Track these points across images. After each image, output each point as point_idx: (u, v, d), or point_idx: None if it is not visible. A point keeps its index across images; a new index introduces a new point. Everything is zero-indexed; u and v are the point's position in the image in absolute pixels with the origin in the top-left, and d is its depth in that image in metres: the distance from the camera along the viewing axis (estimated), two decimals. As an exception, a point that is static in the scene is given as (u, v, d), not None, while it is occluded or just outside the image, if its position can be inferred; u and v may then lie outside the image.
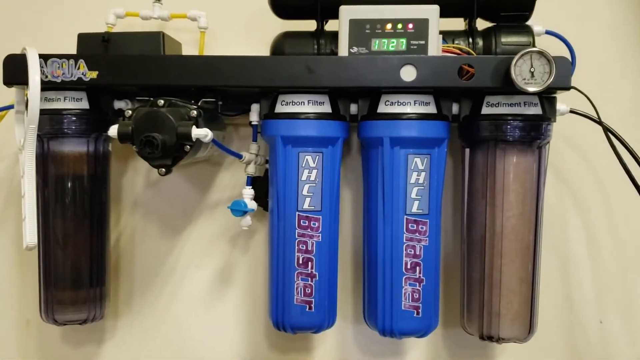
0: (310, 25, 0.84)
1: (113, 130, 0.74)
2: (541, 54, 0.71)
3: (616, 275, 0.94)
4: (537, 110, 0.77)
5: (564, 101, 0.81)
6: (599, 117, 0.80)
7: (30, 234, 0.74)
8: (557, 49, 0.88)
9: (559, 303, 0.94)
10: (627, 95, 0.93)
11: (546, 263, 0.92)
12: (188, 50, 0.93)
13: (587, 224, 0.94)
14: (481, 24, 0.83)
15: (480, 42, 0.81)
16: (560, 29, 0.88)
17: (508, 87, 0.73)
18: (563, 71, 0.73)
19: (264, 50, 0.89)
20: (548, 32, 0.87)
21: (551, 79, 0.71)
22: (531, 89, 0.71)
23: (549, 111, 0.78)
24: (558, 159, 0.92)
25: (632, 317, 0.93)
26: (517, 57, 0.71)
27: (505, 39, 0.80)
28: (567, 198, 0.94)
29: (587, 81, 0.85)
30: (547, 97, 0.78)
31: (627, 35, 0.93)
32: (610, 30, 0.94)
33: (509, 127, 0.77)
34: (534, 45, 0.80)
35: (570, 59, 0.87)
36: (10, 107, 0.86)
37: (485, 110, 0.78)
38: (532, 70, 0.72)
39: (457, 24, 0.85)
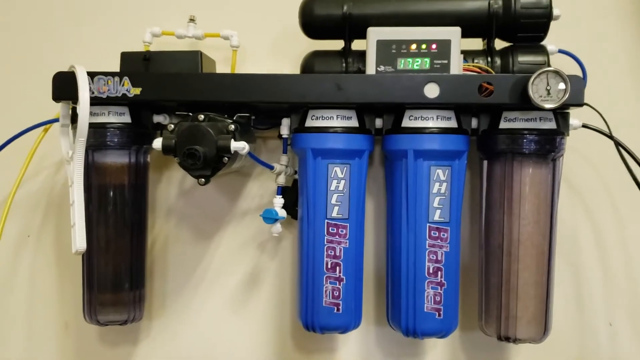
0: (336, 44, 0.90)
1: (157, 143, 0.79)
2: (557, 73, 0.77)
3: (625, 280, 0.98)
4: (551, 125, 0.82)
5: (576, 116, 0.86)
6: (610, 132, 0.85)
7: (80, 240, 0.79)
8: (569, 66, 0.93)
9: (570, 306, 0.99)
10: (637, 111, 0.98)
11: (559, 269, 0.96)
12: (220, 67, 0.98)
13: (597, 233, 0.98)
14: (499, 44, 0.88)
15: (498, 61, 0.86)
16: (573, 47, 0.93)
17: (525, 103, 0.78)
18: (576, 89, 0.78)
19: (292, 68, 0.95)
20: (561, 51, 0.92)
21: (566, 97, 0.76)
22: (547, 106, 0.76)
23: (562, 126, 0.83)
24: (571, 171, 0.97)
25: (639, 320, 0.98)
26: (534, 75, 0.77)
27: (522, 58, 0.85)
28: (579, 208, 0.98)
29: (598, 97, 0.90)
30: (561, 113, 0.83)
31: (637, 53, 0.98)
32: (621, 49, 0.98)
33: (525, 140, 0.82)
34: (548, 64, 0.85)
35: (582, 76, 0.93)
36: (54, 120, 0.91)
37: (503, 124, 0.83)
38: (548, 88, 0.77)
39: (476, 43, 0.91)
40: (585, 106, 0.82)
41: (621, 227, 0.98)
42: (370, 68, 0.82)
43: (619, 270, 0.98)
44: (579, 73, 0.93)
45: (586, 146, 0.95)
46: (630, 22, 0.98)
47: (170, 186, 1.02)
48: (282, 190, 0.92)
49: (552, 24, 0.87)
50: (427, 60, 0.82)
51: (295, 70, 0.92)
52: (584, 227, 0.99)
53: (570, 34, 0.96)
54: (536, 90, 0.77)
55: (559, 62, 0.94)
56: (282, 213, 0.89)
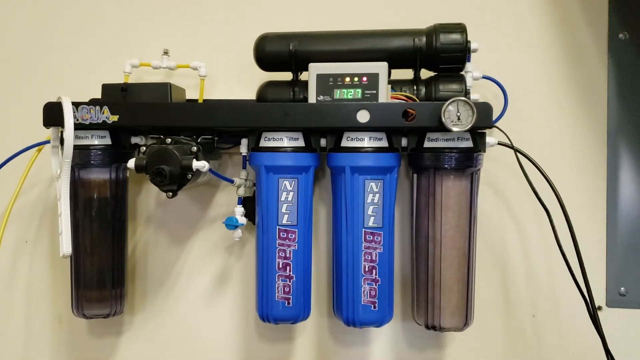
0: (288, 74, 1.04)
1: (131, 163, 0.93)
2: (465, 102, 0.90)
3: (545, 277, 1.11)
4: (468, 144, 0.95)
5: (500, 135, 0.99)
6: (511, 143, 0.98)
7: (66, 245, 0.94)
8: (495, 90, 1.07)
9: (498, 300, 1.12)
10: (554, 128, 1.11)
11: (487, 266, 1.10)
12: (191, 92, 1.12)
13: (521, 232, 1.11)
14: (426, 74, 1.02)
15: (423, 90, 1.00)
16: (497, 73, 1.07)
17: (442, 126, 0.92)
18: (485, 114, 0.92)
19: (252, 94, 1.08)
20: (485, 77, 1.06)
21: (473, 121, 0.90)
22: (456, 129, 0.90)
23: (479, 144, 0.96)
24: (496, 179, 1.10)
25: (557, 312, 1.11)
26: (446, 104, 0.90)
27: (442, 87, 0.98)
28: (505, 211, 1.11)
29: (520, 116, 1.05)
30: (478, 133, 0.96)
31: (555, 78, 1.11)
32: (541, 74, 1.11)
33: (446, 157, 0.95)
34: (466, 92, 0.98)
35: (503, 99, 1.07)
36: (46, 142, 1.05)
37: (427, 144, 0.97)
38: (458, 114, 0.90)
39: (408, 73, 1.03)
40: (510, 122, 1.00)
41: (541, 227, 1.09)
42: (312, 98, 0.96)
43: (540, 267, 1.11)
44: (501, 96, 1.07)
45: (509, 158, 1.03)
46: (549, 50, 1.11)
47: (149, 197, 1.16)
48: (244, 200, 1.06)
49: (479, 52, 1.01)
50: (359, 90, 0.95)
51: (255, 96, 1.06)
52: (509, 227, 1.11)
53: (495, 61, 1.09)
54: (448, 116, 0.91)
55: (484, 86, 1.08)
56: (242, 220, 1.03)
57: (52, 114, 0.97)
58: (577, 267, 0.96)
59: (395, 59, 0.98)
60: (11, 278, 1.18)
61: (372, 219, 0.98)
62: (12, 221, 1.12)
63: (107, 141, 1.01)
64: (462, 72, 1.01)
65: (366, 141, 0.97)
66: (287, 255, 0.99)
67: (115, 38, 1.17)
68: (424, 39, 0.98)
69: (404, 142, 1.00)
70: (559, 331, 1.12)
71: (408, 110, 0.93)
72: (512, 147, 0.97)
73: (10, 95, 1.19)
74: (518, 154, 0.98)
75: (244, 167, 1.06)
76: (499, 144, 1.00)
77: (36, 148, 1.07)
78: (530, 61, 1.12)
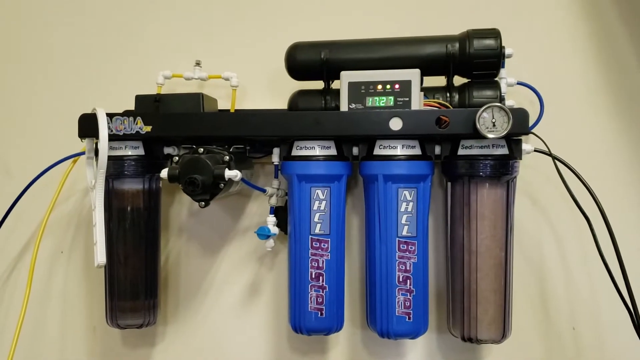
0: (319, 83, 1.03)
1: (164, 173, 0.94)
2: (501, 107, 0.88)
3: (585, 288, 1.08)
4: (504, 151, 0.94)
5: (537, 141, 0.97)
6: (549, 150, 0.95)
7: (101, 255, 0.94)
8: (530, 96, 1.05)
9: (537, 312, 1.09)
10: (593, 134, 1.09)
11: (524, 277, 1.08)
12: (223, 103, 1.13)
13: (560, 243, 1.09)
14: (459, 80, 1.01)
15: (456, 96, 0.98)
16: (532, 79, 1.05)
17: (476, 133, 0.90)
18: (521, 120, 0.90)
19: (283, 103, 1.08)
20: (519, 83, 1.04)
21: (509, 128, 0.88)
22: (491, 136, 0.88)
23: (515, 151, 0.94)
24: (533, 187, 1.08)
25: (599, 324, 1.08)
26: (481, 110, 0.89)
27: (476, 93, 0.97)
28: (543, 221, 1.09)
29: (556, 122, 1.03)
30: (513, 140, 0.94)
31: (592, 81, 1.09)
32: (576, 77, 1.09)
33: (481, 165, 0.93)
34: (500, 98, 0.97)
35: (539, 105, 1.04)
36: (81, 153, 1.06)
37: (461, 151, 0.95)
38: (493, 120, 0.89)
39: (441, 80, 1.02)
40: (546, 130, 0.96)
41: (581, 236, 1.06)
42: (344, 106, 0.95)
43: (581, 279, 1.08)
44: (537, 103, 1.05)
45: (546, 165, 1.00)
46: (585, 55, 1.09)
47: (182, 207, 1.17)
48: (276, 210, 1.06)
49: (514, 58, 0.99)
50: (392, 98, 0.94)
51: (287, 105, 1.05)
52: (547, 237, 1.09)
53: (530, 67, 1.07)
54: (483, 122, 0.89)
55: (519, 92, 1.06)
56: (274, 230, 1.03)
57: (87, 126, 0.98)
58: (620, 277, 0.93)
59: (428, 66, 0.97)
60: (47, 288, 1.19)
61: (405, 228, 0.96)
62: (47, 232, 1.14)
63: (141, 152, 1.01)
64: (496, 79, 0.99)
65: (399, 149, 0.96)
66: (320, 265, 0.98)
67: (148, 50, 1.18)
68: (457, 45, 0.97)
69: (438, 149, 0.99)
70: (601, 344, 1.08)
71: (441, 117, 0.92)
72: (550, 154, 0.95)
73: (45, 107, 1.21)
74: (556, 162, 0.95)
75: (276, 177, 1.06)
76: (535, 150, 0.98)
77: (71, 160, 1.08)
78: (565, 66, 1.10)
